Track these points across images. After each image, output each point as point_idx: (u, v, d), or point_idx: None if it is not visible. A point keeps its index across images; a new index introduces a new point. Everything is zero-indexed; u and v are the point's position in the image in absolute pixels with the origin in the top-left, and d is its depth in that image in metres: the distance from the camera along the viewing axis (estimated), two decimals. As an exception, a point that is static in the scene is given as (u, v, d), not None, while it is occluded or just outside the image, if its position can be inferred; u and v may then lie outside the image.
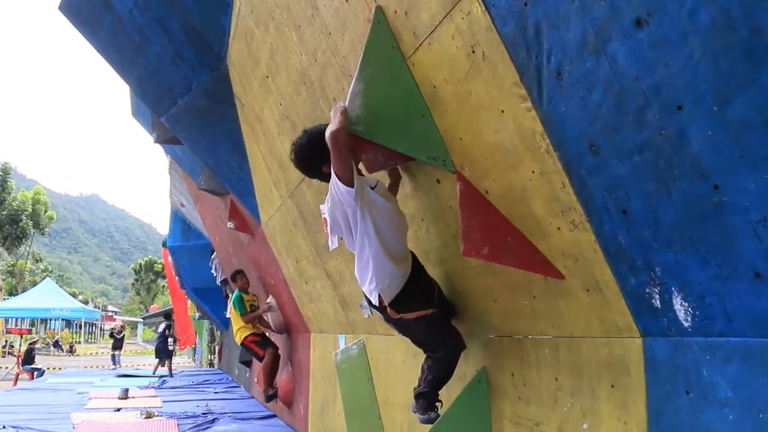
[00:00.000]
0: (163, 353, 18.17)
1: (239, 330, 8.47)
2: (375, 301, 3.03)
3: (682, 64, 1.58)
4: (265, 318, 8.59)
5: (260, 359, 8.44)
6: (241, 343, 8.53)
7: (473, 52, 2.26)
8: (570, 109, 1.97)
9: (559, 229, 2.29)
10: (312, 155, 3.00)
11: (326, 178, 2.94)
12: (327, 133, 2.77)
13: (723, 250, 1.73)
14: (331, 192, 2.90)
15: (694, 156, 1.67)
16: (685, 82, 1.59)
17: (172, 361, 18.33)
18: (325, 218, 3.19)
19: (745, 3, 1.39)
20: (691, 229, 1.79)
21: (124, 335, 24.17)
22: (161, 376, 16.03)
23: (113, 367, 21.49)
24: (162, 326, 19.30)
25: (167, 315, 22.61)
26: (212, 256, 12.59)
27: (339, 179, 2.79)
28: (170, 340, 20.54)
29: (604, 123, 1.88)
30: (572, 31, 1.84)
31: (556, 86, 1.98)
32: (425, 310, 3.02)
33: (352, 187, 2.80)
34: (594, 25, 1.76)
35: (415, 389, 3.12)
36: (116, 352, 22.59)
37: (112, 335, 24.67)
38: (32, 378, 17.41)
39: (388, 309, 3.00)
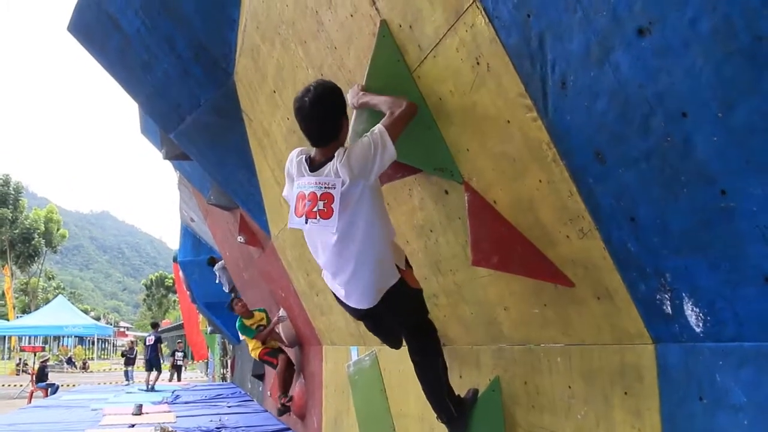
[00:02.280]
0: (155, 365, 18.28)
1: (253, 349, 8.62)
2: (393, 278, 2.80)
3: (686, 71, 1.59)
4: (277, 331, 8.64)
5: (275, 367, 8.51)
6: (258, 358, 8.66)
7: (478, 63, 2.28)
8: (575, 118, 1.99)
9: (567, 237, 2.30)
10: (336, 102, 2.66)
11: (334, 136, 2.66)
12: (411, 103, 2.63)
13: (732, 255, 1.74)
14: (356, 161, 2.54)
15: (700, 162, 1.68)
16: (689, 90, 1.60)
17: (182, 375, 18.43)
18: (312, 194, 2.62)
19: (746, 11, 1.40)
20: (700, 235, 1.80)
21: (136, 352, 24.24)
22: (173, 391, 16.06)
23: (126, 383, 21.55)
24: (152, 338, 19.38)
25: (155, 324, 22.62)
26: (215, 267, 12.61)
27: (393, 142, 2.54)
28: (179, 354, 20.59)
29: (609, 131, 1.89)
30: (575, 42, 1.86)
31: (560, 96, 2.00)
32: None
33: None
34: (597, 35, 1.78)
35: (440, 418, 3.14)
36: (129, 368, 22.66)
37: (123, 354, 24.75)
38: (46, 395, 17.48)
39: (409, 276, 2.91)
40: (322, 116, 2.62)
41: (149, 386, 17.56)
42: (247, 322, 8.61)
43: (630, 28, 1.67)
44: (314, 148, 2.73)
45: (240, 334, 8.68)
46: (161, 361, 19.16)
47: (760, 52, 1.41)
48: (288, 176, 2.83)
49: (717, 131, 1.59)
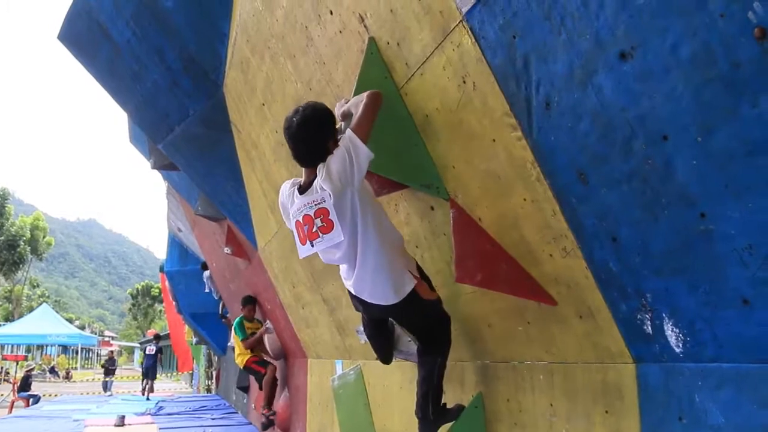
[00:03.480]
0: (151, 373, 18.26)
1: (239, 355, 8.50)
2: (409, 282, 2.77)
3: (666, 96, 1.62)
4: (264, 343, 8.58)
5: (262, 377, 8.40)
6: (244, 367, 8.54)
7: (464, 82, 2.31)
8: (559, 138, 2.01)
9: (551, 255, 2.31)
10: (324, 125, 2.65)
11: (320, 157, 2.63)
12: (369, 94, 2.65)
13: (711, 277, 1.76)
14: (336, 172, 2.55)
15: (681, 185, 1.70)
16: (670, 114, 1.63)
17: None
18: (307, 216, 2.62)
19: (724, 38, 1.43)
20: (680, 256, 1.82)
21: (116, 362, 24.08)
22: (157, 402, 15.91)
23: (109, 393, 21.36)
24: (153, 348, 19.36)
25: (158, 336, 22.58)
26: (204, 275, 12.55)
27: (364, 141, 2.56)
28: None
29: (592, 152, 1.92)
30: (559, 63, 1.89)
31: (545, 116, 2.02)
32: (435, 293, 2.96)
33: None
34: (580, 57, 1.81)
35: (416, 412, 3.07)
36: (108, 378, 22.45)
37: (104, 366, 24.62)
38: (28, 405, 17.25)
39: (421, 286, 2.83)
40: (308, 137, 2.63)
41: (147, 395, 17.49)
42: (247, 324, 8.55)
43: (612, 52, 1.70)
44: (303, 173, 2.75)
45: (233, 334, 8.56)
46: (157, 371, 19.15)
47: (737, 78, 1.44)
48: (284, 210, 2.84)
49: (696, 155, 1.62)
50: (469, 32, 2.17)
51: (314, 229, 2.60)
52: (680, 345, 1.95)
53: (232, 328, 8.68)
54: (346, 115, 2.82)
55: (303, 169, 2.75)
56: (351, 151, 2.54)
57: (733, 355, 1.81)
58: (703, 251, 1.74)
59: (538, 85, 2.00)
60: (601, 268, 2.12)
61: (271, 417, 8.07)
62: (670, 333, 1.97)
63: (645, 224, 1.87)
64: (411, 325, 3.10)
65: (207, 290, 12.61)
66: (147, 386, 18.37)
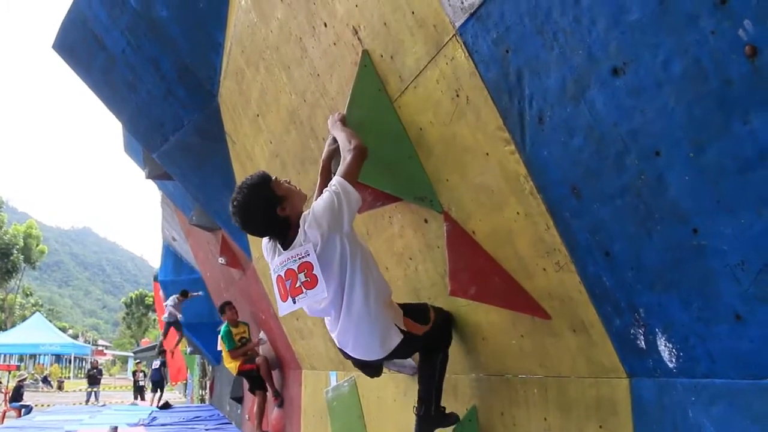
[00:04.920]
0: (159, 385, 18.28)
1: (230, 363, 8.38)
2: (396, 338, 2.73)
3: (658, 111, 1.62)
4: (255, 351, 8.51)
5: (255, 374, 8.26)
6: (238, 373, 8.42)
7: (457, 96, 2.31)
8: (552, 153, 2.01)
9: (544, 269, 2.31)
10: (264, 198, 2.60)
11: (278, 227, 2.62)
12: (356, 144, 2.62)
13: (704, 293, 1.76)
14: (323, 218, 2.51)
15: (673, 200, 1.70)
16: (662, 129, 1.63)
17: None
18: (290, 270, 2.54)
19: (715, 55, 1.43)
20: (673, 272, 1.82)
21: (101, 371, 23.93)
22: (150, 412, 15.80)
23: (99, 404, 21.22)
24: (157, 362, 19.40)
25: (163, 351, 22.54)
26: (166, 301, 12.61)
27: (353, 187, 2.56)
28: (140, 375, 20.66)
29: (585, 167, 1.92)
30: (552, 78, 1.89)
31: (538, 131, 2.02)
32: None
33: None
34: (573, 72, 1.81)
35: (417, 410, 3.04)
36: (95, 389, 22.24)
37: (88, 374, 24.47)
38: (20, 415, 17.12)
39: (412, 325, 2.80)
40: (255, 216, 2.62)
41: (158, 405, 17.54)
42: (234, 331, 8.43)
43: (605, 68, 1.70)
44: None
45: (220, 342, 8.46)
46: (165, 382, 19.22)
47: (729, 95, 1.44)
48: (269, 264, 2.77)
49: (689, 171, 1.62)
50: (463, 46, 2.17)
51: (297, 284, 2.53)
52: (673, 360, 1.95)
53: (219, 336, 8.58)
54: (335, 136, 2.85)
55: None
56: (341, 195, 2.52)
57: (726, 370, 1.80)
58: (695, 267, 1.74)
59: (531, 100, 2.00)
60: (594, 283, 2.11)
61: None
62: (664, 348, 1.97)
63: (638, 239, 1.87)
64: (404, 356, 3.10)
65: (165, 315, 12.73)
66: (157, 397, 18.42)
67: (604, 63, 1.70)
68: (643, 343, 2.03)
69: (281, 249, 2.62)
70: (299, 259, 2.52)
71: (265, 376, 8.18)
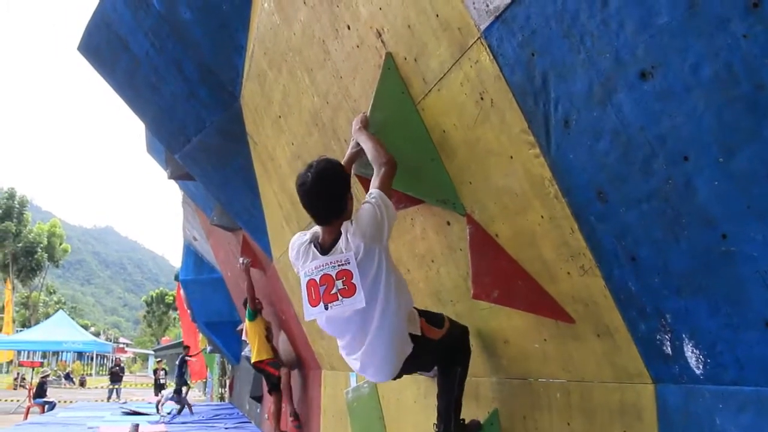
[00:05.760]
0: (181, 383, 18.32)
1: (258, 351, 8.24)
2: (408, 348, 2.69)
3: (687, 116, 1.60)
4: (278, 349, 8.51)
5: (274, 379, 8.23)
6: (256, 365, 8.31)
7: (482, 99, 2.30)
8: (578, 157, 1.99)
9: (568, 273, 2.29)
10: (340, 178, 2.60)
11: (340, 212, 2.57)
12: (389, 158, 2.63)
13: (732, 299, 1.73)
14: (368, 227, 2.48)
15: (702, 205, 1.68)
16: (690, 134, 1.61)
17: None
18: (326, 276, 2.50)
19: (747, 59, 1.41)
20: (701, 277, 1.80)
21: (123, 368, 24.09)
22: (170, 411, 15.93)
23: (122, 401, 21.41)
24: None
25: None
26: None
27: (389, 199, 2.55)
28: (161, 372, 20.73)
29: (611, 171, 1.90)
30: (579, 82, 1.88)
31: (563, 134, 2.01)
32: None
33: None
34: (600, 76, 1.80)
35: (437, 425, 3.03)
36: (117, 386, 22.37)
37: (111, 371, 24.66)
38: (43, 411, 17.36)
39: (428, 328, 2.77)
40: (325, 192, 2.55)
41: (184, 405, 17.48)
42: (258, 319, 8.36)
43: (632, 71, 1.69)
44: (319, 229, 2.66)
45: (246, 321, 8.38)
46: (187, 380, 19.24)
47: (761, 100, 1.43)
48: (294, 265, 2.73)
49: (718, 176, 1.60)
50: (487, 49, 2.17)
51: (333, 291, 2.48)
52: (700, 367, 1.93)
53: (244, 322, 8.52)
54: (359, 140, 2.87)
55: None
56: (382, 207, 2.51)
57: (754, 377, 1.78)
58: (724, 272, 1.72)
59: (557, 103, 1.99)
60: (620, 287, 2.10)
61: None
62: (690, 354, 1.94)
63: (665, 244, 1.85)
64: (424, 366, 3.09)
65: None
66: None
67: (631, 66, 1.69)
68: (669, 348, 2.01)
69: (317, 253, 2.58)
70: (339, 265, 2.48)
71: (284, 389, 8.16)
